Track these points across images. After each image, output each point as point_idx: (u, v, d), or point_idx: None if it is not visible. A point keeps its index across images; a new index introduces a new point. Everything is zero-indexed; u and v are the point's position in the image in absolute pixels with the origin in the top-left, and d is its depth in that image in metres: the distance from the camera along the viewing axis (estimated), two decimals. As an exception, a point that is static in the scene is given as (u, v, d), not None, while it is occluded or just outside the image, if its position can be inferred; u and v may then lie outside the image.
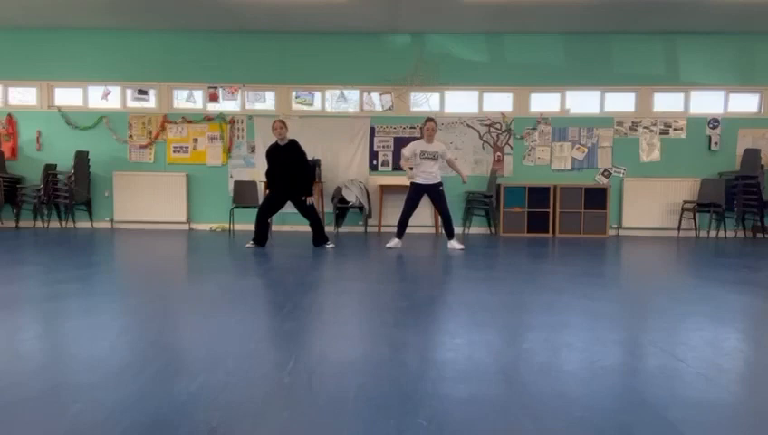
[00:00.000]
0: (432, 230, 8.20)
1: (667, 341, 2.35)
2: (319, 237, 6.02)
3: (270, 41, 8.28)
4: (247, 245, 5.99)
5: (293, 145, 5.88)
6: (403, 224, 5.94)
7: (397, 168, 8.22)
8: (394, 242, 5.96)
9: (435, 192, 5.87)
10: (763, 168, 7.77)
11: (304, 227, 8.16)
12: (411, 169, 5.83)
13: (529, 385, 1.79)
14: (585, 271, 4.43)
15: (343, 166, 8.33)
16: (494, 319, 2.73)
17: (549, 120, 8.30)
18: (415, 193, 5.90)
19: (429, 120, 5.89)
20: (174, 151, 8.41)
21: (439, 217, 6.15)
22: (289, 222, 8.29)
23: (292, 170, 5.82)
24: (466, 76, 8.24)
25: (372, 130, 8.33)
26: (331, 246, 6.01)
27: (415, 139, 6.53)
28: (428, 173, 5.83)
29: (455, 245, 5.88)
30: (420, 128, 6.12)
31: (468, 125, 8.31)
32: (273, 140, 5.93)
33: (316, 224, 6.00)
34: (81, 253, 5.23)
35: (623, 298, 3.37)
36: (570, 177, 8.27)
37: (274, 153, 5.88)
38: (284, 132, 5.81)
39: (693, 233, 8.04)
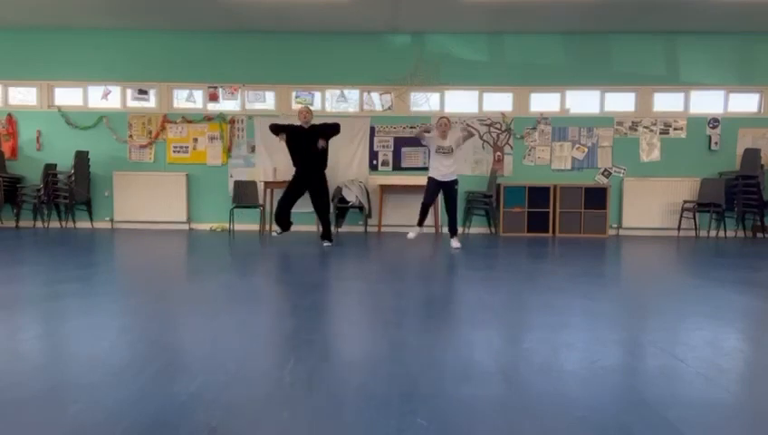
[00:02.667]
0: (432, 230, 8.19)
1: (667, 341, 2.35)
2: (325, 233, 6.24)
3: (270, 41, 8.27)
4: (275, 233, 6.34)
5: (315, 128, 6.08)
6: (423, 211, 6.09)
7: (396, 167, 8.30)
8: (415, 231, 6.18)
9: (450, 189, 6.00)
10: (763, 167, 7.76)
11: (305, 227, 8.20)
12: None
13: (529, 385, 1.79)
14: (585, 271, 4.43)
15: (343, 166, 8.32)
16: (494, 319, 2.73)
17: (549, 119, 8.29)
18: (432, 186, 6.03)
19: (443, 117, 6.04)
20: (174, 151, 8.41)
21: (447, 214, 6.22)
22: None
23: (314, 155, 6.05)
24: (466, 76, 8.24)
25: (372, 129, 8.33)
26: (327, 245, 6.15)
27: (412, 139, 6.59)
28: (444, 168, 5.93)
29: (455, 244, 6.01)
30: (433, 125, 6.20)
31: (468, 125, 8.30)
32: (271, 139, 5.96)
33: (326, 219, 6.22)
34: (81, 253, 5.23)
35: (623, 298, 3.37)
36: (570, 177, 8.26)
37: (297, 135, 6.02)
38: (309, 117, 6.05)
39: (693, 233, 8.03)
